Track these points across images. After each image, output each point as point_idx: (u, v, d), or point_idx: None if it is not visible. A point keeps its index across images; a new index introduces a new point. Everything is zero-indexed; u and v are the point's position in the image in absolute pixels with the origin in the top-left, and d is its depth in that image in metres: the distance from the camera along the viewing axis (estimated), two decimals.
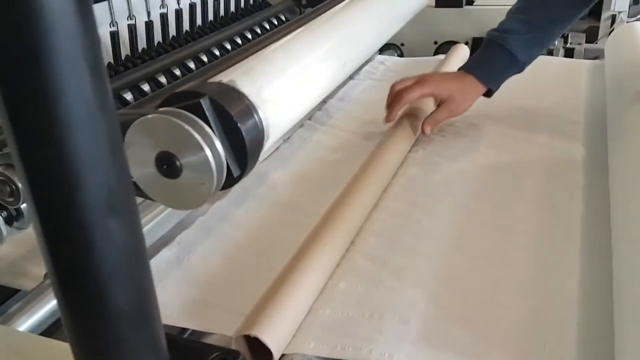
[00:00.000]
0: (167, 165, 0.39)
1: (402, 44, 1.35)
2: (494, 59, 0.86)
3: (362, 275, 0.59)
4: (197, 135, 0.37)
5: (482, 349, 0.49)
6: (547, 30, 0.86)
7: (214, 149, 0.38)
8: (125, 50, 0.87)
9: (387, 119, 0.86)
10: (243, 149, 0.41)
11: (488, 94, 0.87)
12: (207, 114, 0.39)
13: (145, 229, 0.62)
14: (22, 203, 0.63)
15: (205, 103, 0.39)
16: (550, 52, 1.16)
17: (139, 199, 0.68)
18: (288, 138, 0.91)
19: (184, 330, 0.55)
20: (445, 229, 0.65)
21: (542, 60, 1.09)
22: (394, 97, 0.86)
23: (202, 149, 0.37)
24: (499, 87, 0.87)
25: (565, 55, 1.19)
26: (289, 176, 0.80)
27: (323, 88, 0.56)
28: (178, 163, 0.38)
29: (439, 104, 0.87)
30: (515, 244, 0.62)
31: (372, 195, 0.70)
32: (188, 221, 0.69)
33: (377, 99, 1.03)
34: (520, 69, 0.87)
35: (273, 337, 0.49)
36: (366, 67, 1.20)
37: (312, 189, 0.77)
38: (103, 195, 0.24)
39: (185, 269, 0.62)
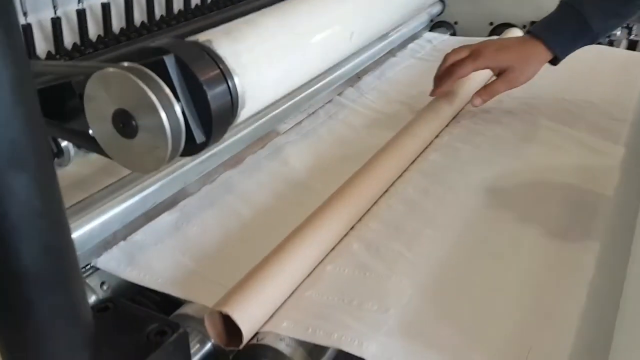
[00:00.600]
0: (123, 123, 0.37)
1: (456, 22, 1.29)
2: (566, 24, 0.78)
3: (352, 260, 0.57)
4: (152, 96, 0.35)
5: (460, 348, 0.46)
6: (627, 3, 0.78)
7: (171, 112, 0.36)
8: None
9: (433, 93, 0.83)
10: (209, 116, 0.39)
11: (554, 62, 0.80)
12: (171, 73, 0.37)
13: (147, 191, 0.63)
14: None
15: (169, 61, 0.37)
16: (611, 43, 1.08)
17: None
18: (313, 112, 0.89)
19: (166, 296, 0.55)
20: (451, 222, 0.62)
21: (600, 50, 1.01)
22: (445, 71, 0.82)
23: (157, 110, 0.36)
24: (566, 55, 0.80)
25: (628, 48, 1.10)
26: (305, 152, 0.78)
27: (323, 60, 0.53)
28: (134, 123, 0.37)
29: (498, 74, 0.81)
30: (523, 249, 0.58)
31: (383, 180, 0.68)
32: (194, 188, 0.69)
33: (416, 80, 0.99)
34: (592, 40, 0.79)
35: (244, 315, 0.48)
36: (411, 45, 1.16)
37: (326, 168, 0.75)
38: (3, 147, 0.23)
39: (182, 236, 0.62)
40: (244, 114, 0.43)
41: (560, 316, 0.50)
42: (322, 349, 0.49)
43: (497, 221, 0.62)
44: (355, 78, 0.99)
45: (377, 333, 0.47)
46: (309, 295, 0.53)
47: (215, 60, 0.39)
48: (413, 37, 1.18)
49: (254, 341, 0.49)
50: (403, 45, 1.14)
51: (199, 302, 0.52)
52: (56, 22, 0.68)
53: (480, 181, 0.69)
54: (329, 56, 0.54)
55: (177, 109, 0.36)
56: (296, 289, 0.54)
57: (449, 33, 1.28)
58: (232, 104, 0.40)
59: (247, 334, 0.48)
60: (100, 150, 0.40)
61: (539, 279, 0.54)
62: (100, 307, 0.36)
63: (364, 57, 1.00)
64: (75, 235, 0.56)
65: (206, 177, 0.71)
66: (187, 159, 0.67)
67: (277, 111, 0.82)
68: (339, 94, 0.95)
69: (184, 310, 0.52)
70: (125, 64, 0.37)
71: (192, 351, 0.50)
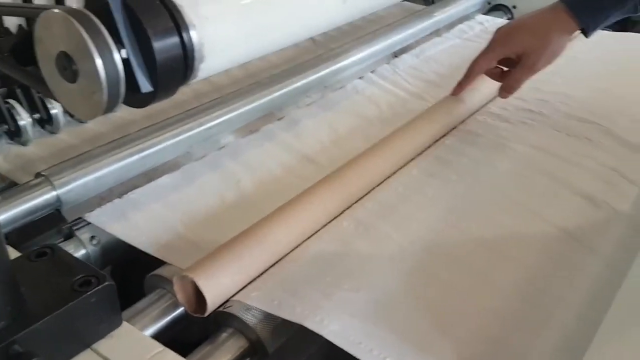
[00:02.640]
0: (65, 67, 0.37)
1: (514, 7, 1.21)
2: None
3: (338, 238, 0.54)
4: (88, 40, 0.34)
5: (424, 336, 0.43)
6: None
7: (108, 59, 0.35)
8: None
9: (452, 92, 0.75)
10: (155, 66, 0.37)
11: (585, 33, 0.68)
12: (116, 18, 0.36)
13: (148, 151, 0.63)
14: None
15: (114, 6, 0.36)
16: None
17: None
18: (341, 87, 0.86)
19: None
20: (447, 209, 0.58)
21: None
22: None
23: (92, 55, 0.35)
24: (597, 26, 0.67)
25: None
26: (321, 127, 0.76)
27: (308, 22, 0.50)
28: (74, 66, 0.36)
29: (517, 60, 0.70)
30: (515, 248, 0.53)
31: (388, 161, 0.64)
32: (199, 153, 0.69)
33: (457, 62, 0.94)
34: (634, 10, 0.66)
35: (211, 283, 0.47)
36: (460, 25, 1.10)
37: (339, 145, 0.72)
38: None
39: (177, 199, 0.62)
40: (205, 69, 0.41)
41: (541, 313, 0.46)
42: (288, 325, 0.48)
43: (491, 217, 0.57)
44: (391, 55, 0.95)
45: (342, 312, 0.45)
46: (286, 268, 0.51)
47: (169, 8, 0.38)
48: (464, 19, 1.12)
49: (222, 309, 0.48)
50: (451, 25, 1.09)
51: (176, 265, 0.52)
52: None
53: (489, 171, 0.64)
54: (316, 18, 0.51)
55: (117, 55, 0.35)
56: (278, 261, 0.53)
57: (505, 18, 1.20)
58: (184, 57, 0.39)
59: (211, 302, 0.47)
60: (49, 94, 0.40)
61: (523, 273, 0.50)
62: (39, 252, 0.36)
63: (403, 36, 0.96)
64: (68, 188, 0.57)
65: (216, 143, 0.71)
66: (193, 123, 0.67)
67: (300, 83, 0.80)
68: (372, 71, 0.91)
69: (161, 271, 0.52)
70: (70, 7, 0.36)
71: (163, 314, 0.49)
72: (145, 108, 0.42)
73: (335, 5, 0.51)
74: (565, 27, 0.67)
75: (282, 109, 0.79)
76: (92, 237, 0.57)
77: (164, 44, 0.37)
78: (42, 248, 0.36)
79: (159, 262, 0.54)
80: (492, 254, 0.52)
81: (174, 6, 0.38)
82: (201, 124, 0.68)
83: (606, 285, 0.48)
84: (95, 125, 0.73)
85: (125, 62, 0.36)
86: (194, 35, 0.39)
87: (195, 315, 0.48)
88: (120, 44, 0.36)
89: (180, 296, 0.48)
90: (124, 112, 0.74)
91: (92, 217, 0.58)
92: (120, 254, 0.58)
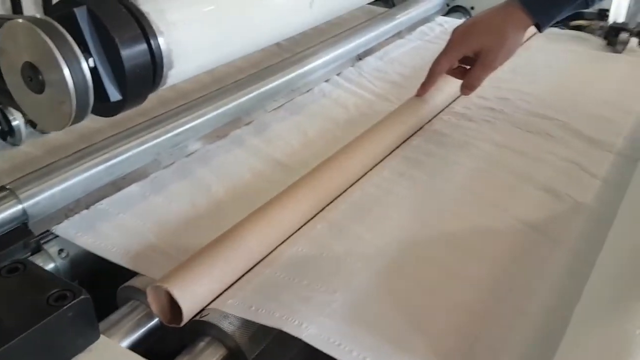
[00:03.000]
0: (31, 77, 0.36)
1: (472, 8, 1.24)
2: None
3: (313, 241, 0.55)
4: (55, 49, 0.34)
5: (402, 333, 0.44)
6: None
7: (76, 68, 0.35)
8: None
9: (417, 93, 0.76)
10: (124, 75, 0.37)
11: (539, 28, 0.69)
12: (82, 27, 0.35)
13: (115, 160, 0.62)
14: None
15: (80, 14, 0.35)
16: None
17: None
18: (308, 90, 0.87)
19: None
20: (418, 207, 0.59)
21: None
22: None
23: (59, 65, 0.34)
24: (551, 20, 0.68)
25: None
26: (291, 130, 0.76)
27: (276, 26, 0.50)
28: (40, 77, 0.36)
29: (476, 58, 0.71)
30: (484, 243, 0.54)
31: (359, 163, 0.65)
32: (167, 160, 0.68)
33: (420, 63, 0.95)
34: (585, 4, 0.66)
35: (186, 292, 0.46)
36: (421, 27, 1.12)
37: (309, 148, 0.73)
38: None
39: (146, 208, 0.61)
40: (173, 75, 0.41)
41: (512, 308, 0.47)
42: (266, 332, 0.48)
43: (461, 215, 0.58)
44: (355, 58, 0.96)
45: (320, 315, 0.45)
46: (262, 273, 0.51)
47: (135, 15, 0.37)
48: (424, 21, 1.14)
49: (198, 317, 0.48)
50: (412, 28, 1.10)
51: (149, 275, 0.51)
52: None
53: (457, 171, 0.66)
54: (282, 24, 0.51)
55: (84, 64, 0.35)
56: (252, 267, 0.52)
57: (464, 19, 1.23)
58: (153, 64, 0.39)
59: (187, 312, 0.46)
60: (15, 105, 0.39)
61: (493, 267, 0.51)
62: (10, 268, 0.35)
63: (367, 38, 0.97)
64: (34, 200, 0.55)
65: (184, 150, 0.70)
66: (160, 130, 0.66)
67: (267, 87, 0.80)
68: (338, 74, 0.92)
69: (133, 282, 0.51)
70: (38, 16, 0.35)
71: (137, 325, 0.49)
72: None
73: (303, 10, 0.51)
74: (520, 23, 0.68)
75: (250, 114, 0.79)
76: (61, 250, 0.56)
77: (131, 52, 0.37)
78: (13, 264, 0.35)
79: (131, 274, 0.53)
80: (463, 251, 0.53)
81: (141, 13, 0.38)
82: (168, 131, 0.67)
83: (574, 276, 0.49)
84: (59, 135, 0.71)
85: (93, 71, 0.36)
86: (161, 41, 0.39)
87: (171, 325, 0.48)
88: (87, 53, 0.36)
89: (154, 307, 0.48)
90: (88, 121, 0.72)
91: (60, 229, 0.56)
92: (90, 266, 0.57)
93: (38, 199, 0.55)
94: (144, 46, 0.37)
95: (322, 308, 0.46)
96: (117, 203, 0.61)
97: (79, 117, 0.36)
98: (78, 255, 0.56)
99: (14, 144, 0.69)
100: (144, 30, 0.37)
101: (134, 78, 0.37)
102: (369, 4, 1.16)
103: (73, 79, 0.34)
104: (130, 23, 0.37)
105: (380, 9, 1.17)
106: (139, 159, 0.64)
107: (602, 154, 0.70)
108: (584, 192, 0.62)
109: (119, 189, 0.63)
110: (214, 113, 0.72)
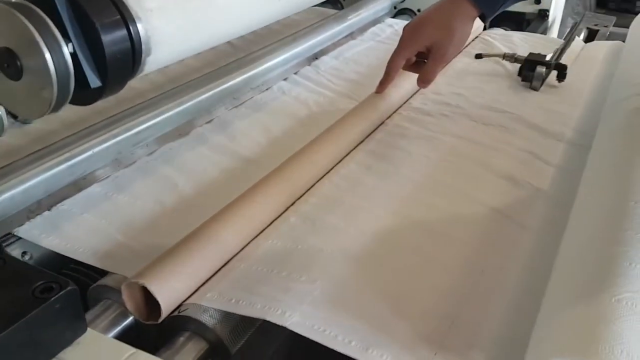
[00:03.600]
0: (8, 64, 0.35)
1: (419, 10, 1.28)
2: None
3: (287, 233, 0.55)
4: (36, 33, 0.33)
5: (383, 318, 0.45)
6: None
7: (57, 52, 0.34)
8: None
9: (376, 91, 0.78)
10: (104, 60, 0.36)
11: (482, 19, 0.71)
12: (60, 12, 0.34)
13: (75, 160, 0.60)
14: None
15: None
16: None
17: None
18: (267, 89, 0.87)
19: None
20: (388, 197, 0.60)
21: None
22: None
23: (41, 49, 0.33)
24: (495, 11, 0.71)
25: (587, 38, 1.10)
26: (254, 127, 0.76)
27: (244, 17, 0.50)
28: (19, 63, 0.34)
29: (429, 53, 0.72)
30: (454, 228, 0.56)
31: (326, 157, 0.66)
32: (129, 159, 0.66)
33: (374, 62, 0.97)
34: None
35: (164, 287, 0.45)
36: (372, 29, 1.14)
37: (274, 144, 0.73)
38: None
39: (111, 207, 0.59)
40: (151, 62, 0.40)
41: (487, 288, 0.49)
42: (247, 324, 0.47)
43: (429, 203, 0.60)
44: (312, 58, 0.97)
45: (302, 303, 0.45)
46: (239, 267, 0.51)
47: (114, 1, 0.37)
48: (374, 22, 1.16)
49: (176, 313, 0.47)
50: (364, 29, 1.12)
51: (120, 273, 0.50)
52: None
53: (424, 161, 0.67)
54: (252, 15, 0.51)
55: (65, 49, 0.34)
56: (228, 262, 0.52)
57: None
58: (132, 50, 0.38)
59: (165, 307, 0.45)
60: None
61: (465, 251, 0.53)
62: None
63: (322, 38, 0.98)
64: None
65: (145, 149, 0.68)
66: (120, 128, 0.64)
67: (226, 85, 0.79)
68: (296, 73, 0.92)
69: (105, 281, 0.50)
70: (15, 0, 0.34)
71: (111, 325, 0.47)
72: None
73: (271, 1, 0.51)
74: (467, 13, 0.70)
75: (210, 112, 0.78)
76: (24, 253, 0.54)
77: (112, 37, 0.36)
78: None
79: (97, 275, 0.51)
80: (435, 236, 0.55)
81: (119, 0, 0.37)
82: (129, 129, 0.65)
83: (542, 255, 0.52)
84: (41, 125, 0.69)
85: (73, 56, 0.35)
86: (140, 27, 0.38)
87: (148, 322, 0.46)
88: (66, 38, 0.34)
89: (129, 305, 0.46)
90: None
91: (22, 231, 0.54)
92: (55, 269, 0.55)
93: None
94: (124, 32, 0.37)
95: (303, 297, 0.46)
96: (79, 203, 0.59)
97: (59, 103, 0.35)
98: (42, 257, 0.54)
99: None
100: (122, 16, 0.37)
101: (114, 64, 0.36)
102: (318, 4, 1.18)
103: (54, 64, 0.33)
104: (109, 8, 0.36)
105: (331, 11, 1.18)
106: (101, 158, 0.62)
107: (553, 143, 0.73)
108: (541, 179, 0.65)
109: (80, 189, 0.61)
110: (175, 111, 0.71)
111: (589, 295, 0.38)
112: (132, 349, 0.36)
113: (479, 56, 0.94)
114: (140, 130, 0.66)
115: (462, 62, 0.97)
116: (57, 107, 0.36)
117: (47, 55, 0.33)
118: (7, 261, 0.33)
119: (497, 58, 0.94)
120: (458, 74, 0.92)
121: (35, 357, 0.31)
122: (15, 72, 0.35)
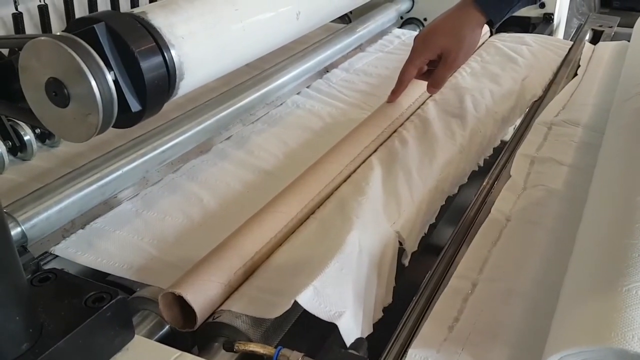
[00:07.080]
0: (56, 92, 0.38)
1: (425, 19, 1.30)
2: None
3: (308, 239, 0.57)
4: (81, 62, 0.36)
5: None
6: None
7: (101, 79, 0.37)
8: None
9: (388, 100, 0.81)
10: (143, 85, 0.39)
11: (490, 25, 0.74)
12: (102, 42, 0.38)
13: (106, 179, 0.63)
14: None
15: (100, 30, 0.38)
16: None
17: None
18: (282, 103, 0.90)
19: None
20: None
21: None
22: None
23: (87, 77, 0.36)
24: (503, 17, 0.73)
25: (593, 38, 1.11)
26: (271, 141, 0.79)
27: (267, 38, 0.53)
28: (66, 91, 0.37)
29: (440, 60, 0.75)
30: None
31: (342, 166, 0.68)
32: (155, 178, 0.69)
33: (384, 72, 1.00)
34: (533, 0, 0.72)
35: (198, 296, 0.48)
36: (380, 40, 1.17)
37: (292, 156, 0.75)
38: None
39: (141, 223, 0.62)
40: (184, 85, 0.43)
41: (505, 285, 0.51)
42: (279, 326, 0.49)
43: None
44: (323, 71, 1.00)
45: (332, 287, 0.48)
46: (268, 273, 0.53)
47: (148, 30, 0.40)
48: (382, 34, 1.19)
49: (210, 320, 0.49)
50: (372, 40, 1.15)
51: (155, 284, 0.52)
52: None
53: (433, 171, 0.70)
54: (274, 35, 0.54)
55: (108, 76, 0.37)
56: (255, 269, 0.54)
57: (418, 30, 1.29)
58: (168, 75, 0.41)
59: (201, 314, 0.48)
60: (36, 122, 0.40)
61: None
62: (42, 278, 0.36)
63: (332, 52, 1.01)
64: (32, 222, 0.56)
65: (170, 167, 0.71)
66: (147, 147, 0.67)
67: (243, 102, 0.82)
68: (308, 87, 0.95)
69: (142, 293, 0.52)
70: (58, 33, 0.37)
71: (149, 334, 0.50)
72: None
73: (291, 21, 0.54)
74: (475, 21, 0.73)
75: (229, 128, 0.81)
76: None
77: (150, 64, 0.39)
78: (43, 273, 0.36)
79: (131, 288, 0.54)
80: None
81: (153, 28, 0.40)
82: (154, 149, 0.68)
83: (558, 251, 0.54)
84: (68, 148, 0.73)
85: (115, 83, 0.38)
86: (174, 54, 0.41)
87: (184, 330, 0.49)
88: (108, 67, 0.38)
89: (166, 314, 0.49)
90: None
91: (59, 250, 0.57)
92: None
93: (35, 221, 0.56)
94: (160, 58, 0.40)
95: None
96: (111, 221, 0.62)
97: (104, 127, 0.38)
98: (79, 274, 0.57)
99: (24, 159, 0.70)
100: (158, 43, 0.40)
101: (153, 89, 0.39)
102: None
103: (99, 91, 0.36)
104: (146, 37, 0.39)
105: (338, 25, 1.21)
106: (129, 177, 0.65)
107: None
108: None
109: (112, 207, 0.64)
110: (196, 129, 0.74)
111: (602, 286, 0.40)
112: (178, 352, 0.39)
113: None
114: (165, 150, 0.69)
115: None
116: (102, 130, 0.39)
117: (93, 83, 0.36)
118: (59, 275, 0.36)
119: None
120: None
121: None
122: (63, 100, 0.38)
